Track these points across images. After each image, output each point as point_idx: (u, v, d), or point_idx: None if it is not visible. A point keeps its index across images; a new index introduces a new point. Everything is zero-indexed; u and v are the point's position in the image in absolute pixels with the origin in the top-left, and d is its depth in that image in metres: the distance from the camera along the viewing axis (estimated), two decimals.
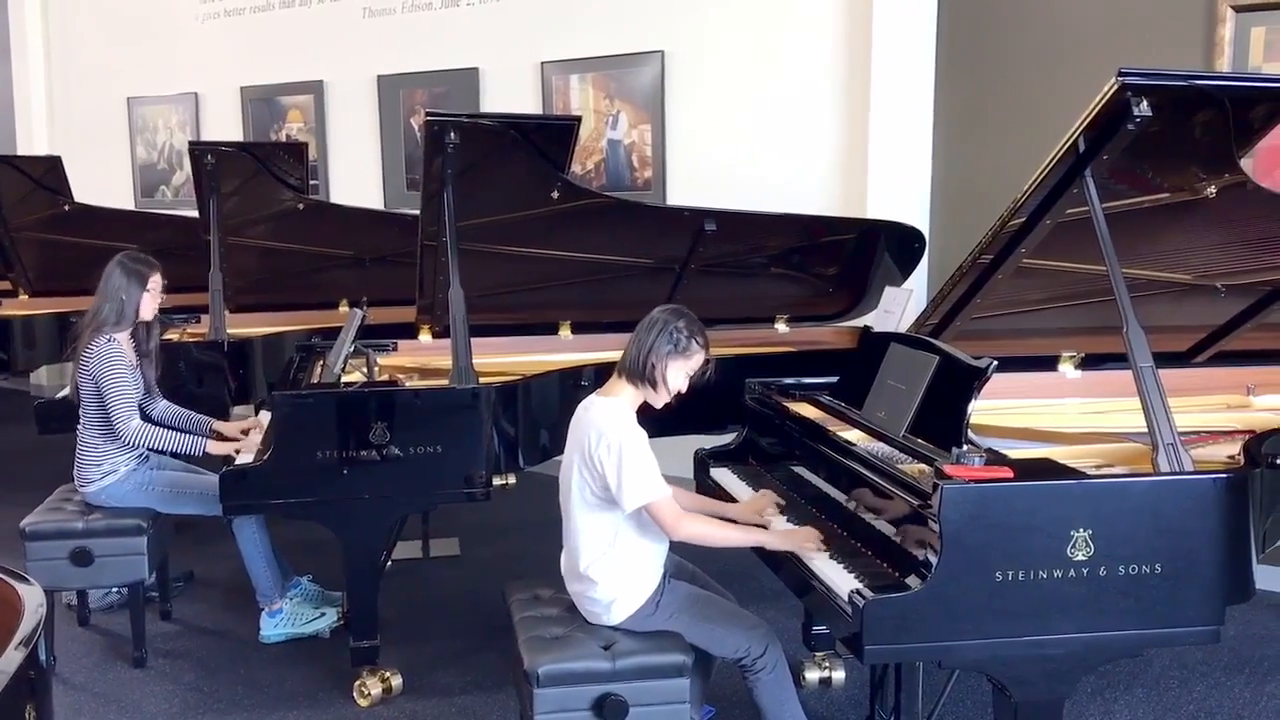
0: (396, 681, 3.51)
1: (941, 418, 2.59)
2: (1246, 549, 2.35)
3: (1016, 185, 2.71)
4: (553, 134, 3.84)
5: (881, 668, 3.02)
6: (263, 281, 5.15)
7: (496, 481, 3.52)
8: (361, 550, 3.43)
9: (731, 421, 3.65)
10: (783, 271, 4.53)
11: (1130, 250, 2.84)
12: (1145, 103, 2.37)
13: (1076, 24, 4.51)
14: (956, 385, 2.58)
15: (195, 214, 4.92)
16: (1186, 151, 2.67)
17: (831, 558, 2.58)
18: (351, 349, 3.70)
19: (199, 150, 4.70)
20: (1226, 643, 3.71)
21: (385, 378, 3.75)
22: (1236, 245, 3.05)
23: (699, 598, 2.84)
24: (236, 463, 3.48)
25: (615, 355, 2.87)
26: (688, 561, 3.02)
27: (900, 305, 4.02)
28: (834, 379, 3.24)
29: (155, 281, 3.83)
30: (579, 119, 4.03)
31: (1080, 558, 2.23)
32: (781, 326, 4.66)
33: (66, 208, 5.88)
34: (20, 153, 7.79)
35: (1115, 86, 2.36)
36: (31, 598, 1.72)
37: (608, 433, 2.66)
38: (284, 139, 6.91)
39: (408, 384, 3.67)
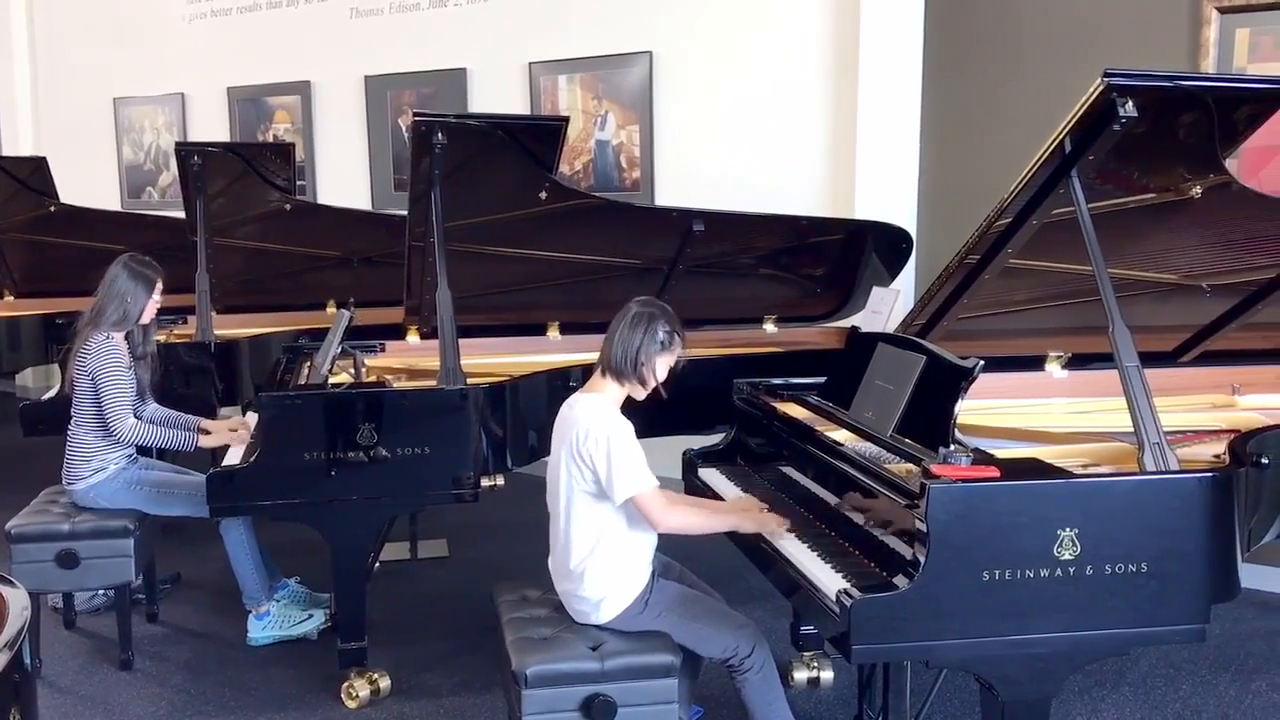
0: (385, 683, 3.50)
1: (929, 418, 2.59)
2: (1232, 547, 2.37)
3: (1003, 186, 2.72)
4: (540, 134, 3.83)
5: (869, 667, 3.02)
6: (250, 282, 5.13)
7: (485, 482, 3.51)
8: (349, 552, 3.43)
9: (719, 422, 3.66)
10: (771, 272, 4.54)
11: (1116, 250, 2.86)
12: (1131, 103, 2.38)
13: (1062, 26, 4.53)
14: (943, 385, 2.59)
15: (182, 215, 4.90)
16: (1172, 152, 2.68)
17: (819, 557, 2.58)
18: (339, 350, 3.69)
19: (185, 151, 4.70)
20: (1212, 641, 3.73)
21: (373, 379, 3.75)
22: (1221, 245, 3.07)
23: (687, 597, 2.85)
24: (224, 463, 3.47)
25: None
26: (675, 561, 3.03)
27: (888, 305, 4.03)
28: (822, 379, 3.25)
29: (159, 287, 3.83)
30: (567, 119, 4.03)
31: (1067, 557, 2.24)
32: (770, 327, 4.67)
33: (52, 209, 5.85)
34: (5, 153, 7.72)
35: (1101, 87, 2.38)
36: (16, 600, 1.72)
37: (595, 427, 2.69)
38: (271, 140, 6.88)
39: (395, 385, 3.66)
